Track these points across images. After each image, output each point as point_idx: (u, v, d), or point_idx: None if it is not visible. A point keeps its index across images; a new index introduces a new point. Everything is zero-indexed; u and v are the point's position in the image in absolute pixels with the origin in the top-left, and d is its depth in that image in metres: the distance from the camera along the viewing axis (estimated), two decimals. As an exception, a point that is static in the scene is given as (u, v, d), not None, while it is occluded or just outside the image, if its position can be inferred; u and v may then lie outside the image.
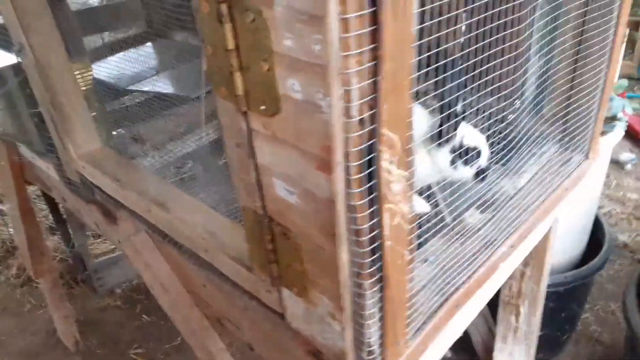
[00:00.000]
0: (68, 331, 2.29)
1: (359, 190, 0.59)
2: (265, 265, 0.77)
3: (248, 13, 0.54)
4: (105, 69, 1.85)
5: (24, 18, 1.04)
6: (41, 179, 1.56)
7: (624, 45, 3.60)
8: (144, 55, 2.07)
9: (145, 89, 1.68)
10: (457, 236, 0.94)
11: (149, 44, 2.11)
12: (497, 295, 1.51)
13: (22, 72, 1.25)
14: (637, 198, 2.80)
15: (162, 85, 1.79)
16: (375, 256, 0.65)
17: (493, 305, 1.54)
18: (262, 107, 0.60)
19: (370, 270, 0.65)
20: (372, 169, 0.59)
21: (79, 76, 1.20)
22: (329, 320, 0.72)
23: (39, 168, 1.48)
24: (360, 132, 0.56)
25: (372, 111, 0.56)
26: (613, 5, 0.97)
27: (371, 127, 0.56)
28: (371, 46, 0.52)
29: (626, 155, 3.00)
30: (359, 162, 0.57)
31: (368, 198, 0.60)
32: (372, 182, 0.60)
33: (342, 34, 0.49)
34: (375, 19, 0.51)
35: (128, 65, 1.93)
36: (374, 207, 0.61)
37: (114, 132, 1.40)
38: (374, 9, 0.50)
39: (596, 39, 0.99)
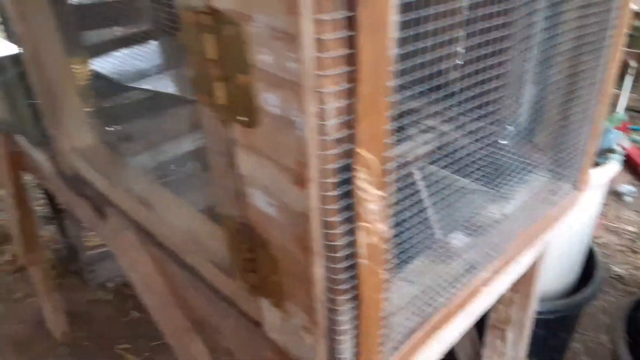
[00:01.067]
0: (57, 322, 2.30)
1: (334, 207, 0.59)
2: (243, 273, 0.77)
3: (228, 26, 0.54)
4: (109, 64, 1.86)
5: (22, 10, 1.05)
6: (36, 169, 1.57)
7: (631, 78, 3.58)
8: (149, 52, 2.09)
9: (147, 87, 1.68)
10: (441, 257, 0.94)
11: (154, 41, 2.13)
12: (485, 318, 1.50)
13: (22, 63, 1.26)
14: (634, 230, 2.78)
15: (165, 85, 1.80)
16: (350, 273, 0.64)
17: (481, 328, 1.54)
18: (241, 118, 0.60)
19: (344, 286, 0.65)
20: (348, 187, 0.59)
21: (76, 71, 1.21)
22: (302, 333, 0.72)
23: (34, 158, 1.49)
24: (336, 151, 0.56)
25: (349, 131, 0.56)
26: (604, 41, 0.97)
27: (348, 146, 0.56)
28: (348, 68, 0.52)
29: (626, 188, 2.99)
30: (334, 180, 0.57)
31: (344, 215, 0.60)
32: (350, 200, 0.60)
33: (318, 54, 0.49)
34: (352, 41, 0.51)
35: (132, 61, 1.94)
36: (350, 225, 0.61)
37: (111, 128, 1.40)
38: (351, 33, 0.50)
39: (588, 73, 0.99)
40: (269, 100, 0.55)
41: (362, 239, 0.63)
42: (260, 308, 0.80)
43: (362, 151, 0.57)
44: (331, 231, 0.61)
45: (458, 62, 1.14)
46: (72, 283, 2.63)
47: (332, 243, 0.61)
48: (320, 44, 0.48)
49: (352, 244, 0.63)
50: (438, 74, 0.82)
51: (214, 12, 0.55)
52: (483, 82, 1.00)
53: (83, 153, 1.19)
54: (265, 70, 0.53)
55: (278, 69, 0.52)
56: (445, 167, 1.07)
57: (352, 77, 0.52)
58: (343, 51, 0.50)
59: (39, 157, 1.42)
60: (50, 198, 2.45)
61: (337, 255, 0.62)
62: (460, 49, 1.13)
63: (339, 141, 0.56)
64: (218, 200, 0.75)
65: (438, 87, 0.87)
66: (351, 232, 0.62)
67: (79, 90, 1.17)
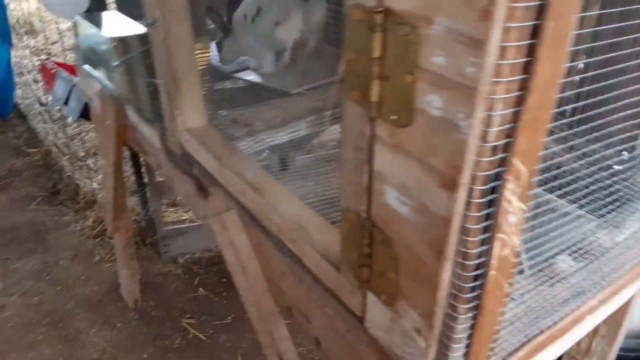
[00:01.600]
0: (130, 289, 2.42)
1: (476, 214, 0.59)
2: (355, 267, 0.79)
3: (403, 26, 0.55)
4: (213, 52, 1.94)
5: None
6: (140, 143, 1.66)
7: None
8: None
9: (249, 77, 1.75)
10: (547, 279, 0.92)
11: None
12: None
13: (146, 43, 1.34)
14: None
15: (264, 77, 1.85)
16: (476, 282, 0.64)
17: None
18: (393, 117, 0.61)
19: (469, 295, 0.65)
20: (493, 196, 0.59)
21: (199, 55, 1.27)
22: (413, 335, 0.72)
23: (142, 133, 1.57)
24: (492, 159, 0.56)
25: (507, 140, 0.56)
26: None
27: (503, 155, 0.56)
28: (522, 77, 0.52)
29: None
30: (483, 187, 0.57)
31: (483, 224, 0.60)
32: (491, 210, 0.60)
33: (499, 61, 0.50)
34: (531, 50, 0.51)
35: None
36: (487, 234, 0.61)
37: (222, 112, 1.46)
38: (534, 41, 0.50)
39: None
40: (432, 102, 0.55)
41: (496, 250, 0.63)
42: (366, 304, 0.82)
43: (516, 161, 0.57)
44: (468, 238, 0.61)
45: (575, 78, 1.11)
46: (146, 254, 2.76)
47: (466, 250, 0.62)
48: (502, 51, 0.49)
49: (484, 254, 0.63)
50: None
51: (387, 12, 0.56)
52: (601, 102, 0.97)
53: (195, 133, 1.25)
54: (434, 72, 0.54)
55: (451, 72, 0.52)
56: (548, 189, 1.05)
57: (523, 86, 0.52)
58: (522, 59, 0.50)
59: (148, 132, 1.50)
60: (138, 172, 2.58)
61: (468, 263, 0.62)
62: (580, 63, 1.10)
63: (496, 149, 0.56)
64: (342, 193, 0.77)
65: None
66: (486, 241, 0.62)
67: (199, 73, 1.23)
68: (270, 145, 1.55)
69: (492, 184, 0.58)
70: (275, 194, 1.04)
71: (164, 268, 2.69)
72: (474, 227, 0.60)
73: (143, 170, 2.60)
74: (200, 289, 2.55)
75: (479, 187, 0.57)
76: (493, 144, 0.55)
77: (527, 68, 0.51)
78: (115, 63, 1.32)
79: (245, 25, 1.68)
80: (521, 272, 0.96)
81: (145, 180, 2.63)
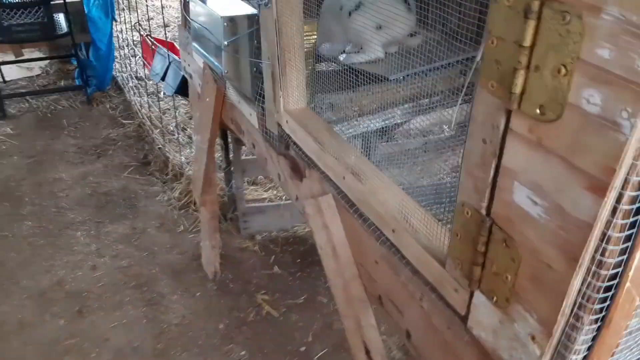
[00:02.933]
0: (211, 260, 2.52)
1: (622, 221, 0.55)
2: (466, 265, 0.76)
3: (564, 14, 0.52)
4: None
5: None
6: (237, 122, 1.70)
7: None
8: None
9: (348, 62, 1.73)
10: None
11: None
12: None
13: (255, 24, 1.37)
14: None
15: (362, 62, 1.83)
16: (607, 294, 0.60)
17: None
18: (538, 111, 0.58)
19: (597, 306, 0.61)
20: (642, 204, 0.54)
21: (305, 37, 1.27)
22: (526, 341, 0.69)
23: (240, 112, 1.61)
24: (650, 163, 0.51)
25: (670, 143, 0.51)
26: None
27: (661, 160, 0.52)
28: (700, 75, 0.47)
29: None
30: (635, 193, 0.53)
31: (627, 232, 0.56)
32: (637, 217, 0.55)
33: (678, 56, 0.45)
34: None
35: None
36: (628, 244, 0.57)
37: (323, 95, 1.46)
38: None
39: None
40: (589, 97, 0.52)
41: (635, 260, 0.58)
42: (471, 303, 0.79)
43: (678, 168, 0.52)
44: (609, 247, 0.56)
45: None
46: (226, 229, 2.86)
47: (603, 259, 0.57)
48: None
49: (620, 264, 0.59)
50: None
51: (548, -1, 0.53)
52: None
53: (295, 115, 1.26)
54: (597, 65, 0.50)
55: (617, 66, 0.48)
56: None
57: (700, 87, 0.47)
58: None
59: (247, 112, 1.54)
60: (226, 149, 2.67)
61: (603, 272, 0.58)
62: None
63: (655, 153, 0.51)
64: (461, 186, 0.74)
65: None
66: (625, 251, 0.58)
67: (304, 55, 1.23)
68: (363, 131, 1.54)
69: (643, 191, 0.54)
70: (376, 182, 1.03)
71: (242, 243, 2.77)
72: (617, 235, 0.56)
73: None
74: (276, 267, 2.61)
75: (630, 193, 0.53)
76: (654, 147, 0.50)
77: None
78: (225, 43, 1.35)
79: (340, 14, 1.66)
80: None
81: (232, 157, 2.72)
